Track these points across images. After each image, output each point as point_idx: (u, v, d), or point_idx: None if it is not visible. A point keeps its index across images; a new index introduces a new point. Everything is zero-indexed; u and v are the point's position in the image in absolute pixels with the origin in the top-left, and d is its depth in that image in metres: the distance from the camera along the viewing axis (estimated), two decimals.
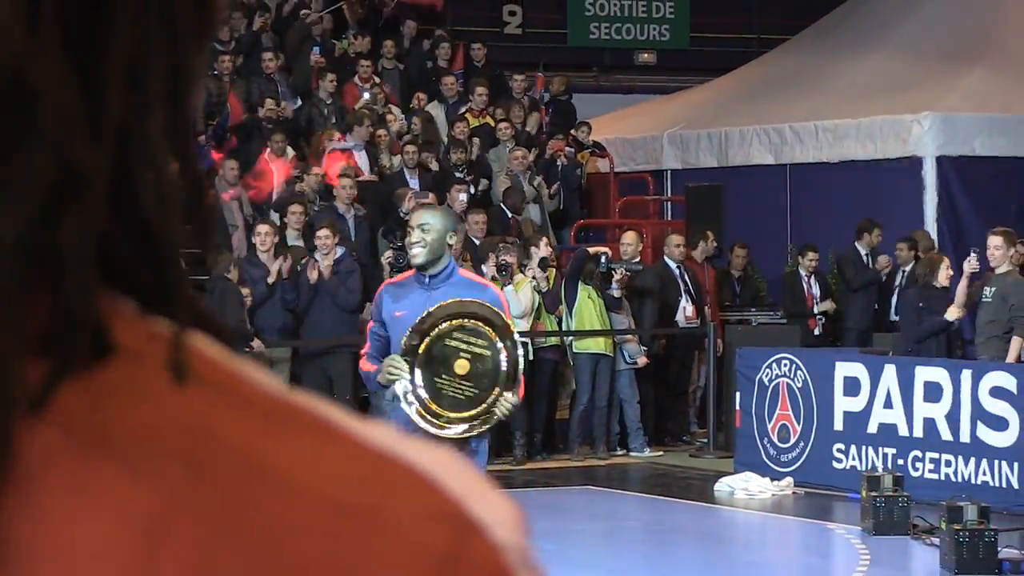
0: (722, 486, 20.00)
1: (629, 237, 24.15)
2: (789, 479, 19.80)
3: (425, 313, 8.83)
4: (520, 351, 9.27)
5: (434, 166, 27.72)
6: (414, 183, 26.10)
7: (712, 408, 23.24)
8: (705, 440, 23.47)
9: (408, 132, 29.02)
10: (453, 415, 8.70)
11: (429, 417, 8.69)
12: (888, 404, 19.39)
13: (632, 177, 28.84)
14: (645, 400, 23.78)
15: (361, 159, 26.86)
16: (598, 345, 23.19)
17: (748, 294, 26.06)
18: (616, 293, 23.59)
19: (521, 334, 21.61)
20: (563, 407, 24.22)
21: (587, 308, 22.96)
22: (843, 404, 19.74)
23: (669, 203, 28.57)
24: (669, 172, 28.79)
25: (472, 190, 26.62)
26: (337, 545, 1.08)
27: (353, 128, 27.01)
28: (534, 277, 22.86)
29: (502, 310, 9.24)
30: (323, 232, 22.65)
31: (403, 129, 29.14)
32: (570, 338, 23.66)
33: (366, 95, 29.04)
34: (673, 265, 23.94)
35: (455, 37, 32.37)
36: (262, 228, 24.41)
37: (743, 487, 19.79)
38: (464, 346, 8.83)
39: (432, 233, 8.56)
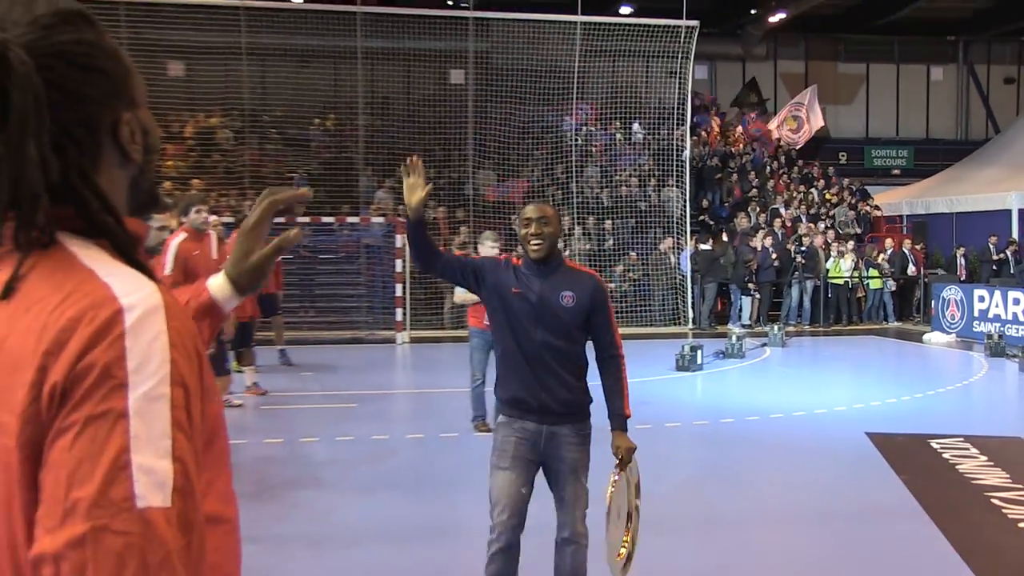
0: (929, 335, 20.45)
1: (888, 241, 24.63)
2: (954, 335, 20.27)
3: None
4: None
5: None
6: None
7: (923, 306, 23.33)
8: (919, 318, 23.27)
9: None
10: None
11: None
12: (996, 304, 19.67)
13: (891, 216, 28.48)
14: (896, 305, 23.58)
15: None
16: (876, 284, 23.28)
17: (933, 263, 25.61)
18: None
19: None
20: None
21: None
22: (978, 305, 20.03)
23: (906, 227, 27.94)
24: (905, 217, 28.46)
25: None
26: (58, 308, 1.27)
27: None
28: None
29: (604, 296, 4.83)
30: None
31: None
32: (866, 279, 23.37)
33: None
34: (907, 251, 23.90)
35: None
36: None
37: (934, 338, 20.29)
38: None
39: (550, 227, 4.68)
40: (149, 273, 1.36)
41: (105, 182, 1.40)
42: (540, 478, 4.73)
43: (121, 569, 1.15)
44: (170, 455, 1.21)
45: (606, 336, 4.72)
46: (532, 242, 4.64)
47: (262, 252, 2.00)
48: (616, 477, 4.54)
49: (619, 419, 4.62)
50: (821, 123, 28.86)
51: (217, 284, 1.97)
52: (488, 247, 9.75)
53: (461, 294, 10.00)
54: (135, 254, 1.39)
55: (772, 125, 29.32)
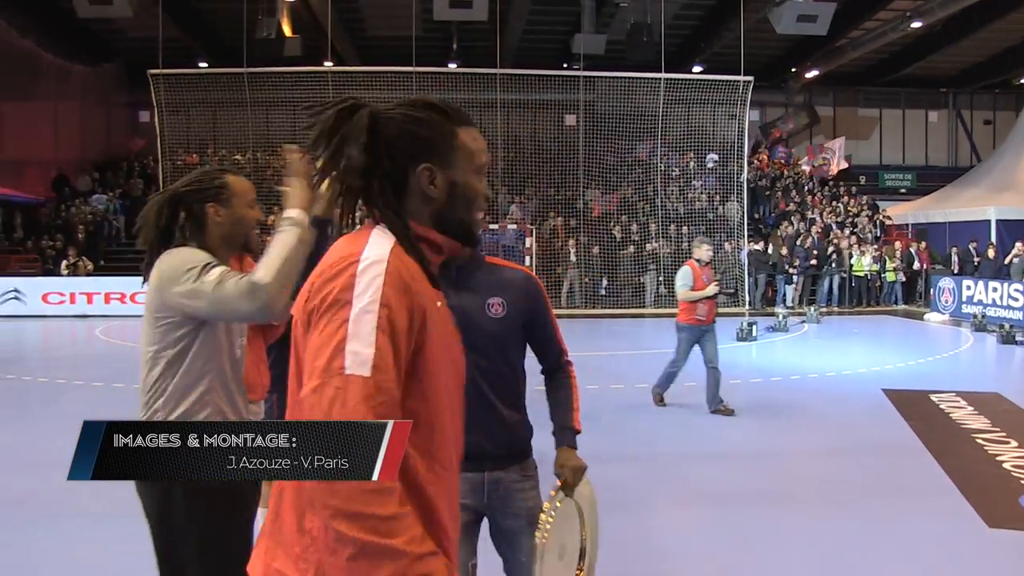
0: (929, 315, 19.68)
1: (898, 243, 23.70)
2: (948, 315, 19.43)
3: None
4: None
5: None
6: None
7: (924, 292, 22.29)
8: (922, 302, 22.11)
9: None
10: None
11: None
12: (980, 292, 18.75)
13: (900, 224, 26.86)
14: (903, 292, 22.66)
15: None
16: (891, 277, 22.39)
17: (933, 260, 23.94)
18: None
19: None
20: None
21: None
22: (965, 292, 19.11)
23: (912, 233, 26.24)
24: (910, 225, 26.79)
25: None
26: (332, 257, 1.46)
27: None
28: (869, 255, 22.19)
29: (540, 292, 2.69)
30: None
31: None
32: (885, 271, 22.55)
33: None
34: (914, 251, 23.06)
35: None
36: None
37: (932, 317, 19.53)
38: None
39: None
40: (420, 255, 1.50)
41: (411, 204, 1.54)
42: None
43: (332, 404, 1.34)
44: (373, 346, 1.37)
45: (551, 345, 2.81)
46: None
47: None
48: (558, 504, 2.54)
49: (568, 433, 2.73)
50: (845, 166, 28.21)
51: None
52: (704, 251, 8.51)
53: (684, 291, 8.44)
54: (409, 240, 1.51)
55: (805, 158, 28.72)
